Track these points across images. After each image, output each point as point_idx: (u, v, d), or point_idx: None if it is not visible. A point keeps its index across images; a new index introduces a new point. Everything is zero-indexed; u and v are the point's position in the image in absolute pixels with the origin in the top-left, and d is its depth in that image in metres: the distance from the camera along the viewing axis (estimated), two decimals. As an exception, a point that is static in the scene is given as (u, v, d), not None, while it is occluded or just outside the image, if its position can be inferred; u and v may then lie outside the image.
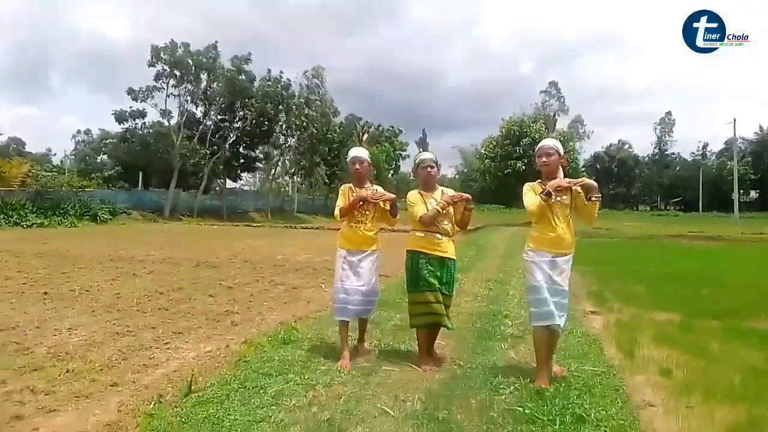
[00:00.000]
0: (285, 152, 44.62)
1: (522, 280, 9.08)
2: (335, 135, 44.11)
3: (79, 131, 69.27)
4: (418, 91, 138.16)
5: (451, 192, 4.47)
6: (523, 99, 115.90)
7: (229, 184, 46.25)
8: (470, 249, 14.74)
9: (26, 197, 25.95)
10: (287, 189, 59.78)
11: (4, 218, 23.08)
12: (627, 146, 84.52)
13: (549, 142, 4.22)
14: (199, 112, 38.16)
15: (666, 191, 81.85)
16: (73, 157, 61.39)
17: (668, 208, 79.17)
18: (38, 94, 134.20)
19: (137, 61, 53.47)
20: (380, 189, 4.67)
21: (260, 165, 47.90)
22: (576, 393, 3.68)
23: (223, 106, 37.10)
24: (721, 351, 5.09)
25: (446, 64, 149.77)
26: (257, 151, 43.26)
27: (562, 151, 4.19)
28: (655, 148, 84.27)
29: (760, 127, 72.93)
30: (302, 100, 40.09)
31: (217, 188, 44.28)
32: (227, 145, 38.58)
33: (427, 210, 4.30)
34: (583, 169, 53.29)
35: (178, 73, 34.52)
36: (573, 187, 4.05)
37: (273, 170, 48.34)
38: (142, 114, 37.02)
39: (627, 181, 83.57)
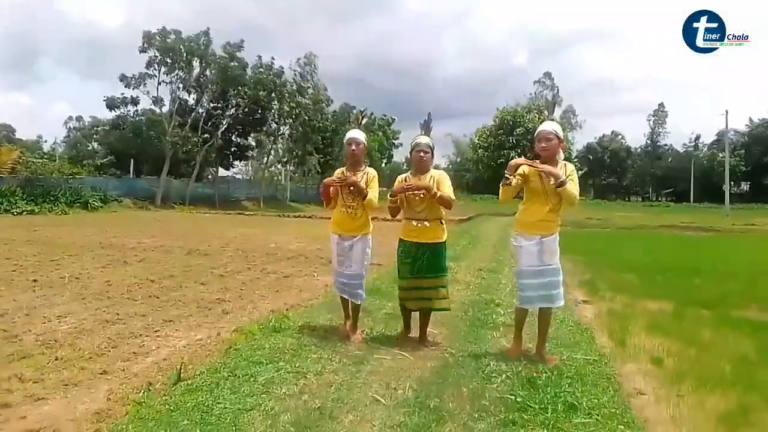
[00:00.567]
0: (278, 140, 44.42)
1: (515, 269, 9.13)
2: (328, 123, 43.85)
3: (70, 118, 68.49)
4: (412, 81, 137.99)
5: (441, 173, 4.46)
6: (518, 90, 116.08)
7: (222, 172, 46.14)
8: (463, 238, 14.75)
9: (16, 184, 25.68)
10: (280, 177, 59.56)
11: (-7, 205, 22.86)
12: (620, 137, 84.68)
13: (549, 126, 4.17)
14: (191, 99, 37.94)
15: (658, 182, 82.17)
16: (64, 144, 60.91)
17: (660, 199, 79.60)
18: (29, 81, 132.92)
19: (129, 47, 52.83)
20: (372, 171, 4.65)
21: (253, 153, 47.72)
22: (568, 381, 3.69)
23: (215, 93, 36.83)
24: (712, 340, 5.12)
25: (440, 55, 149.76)
26: (250, 139, 43.11)
27: (561, 136, 4.16)
28: (647, 139, 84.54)
29: (750, 120, 73.25)
30: (295, 87, 39.83)
31: (210, 176, 44.02)
32: (219, 133, 38.29)
33: (407, 198, 4.39)
34: (576, 160, 53.40)
35: (169, 60, 34.20)
36: (533, 169, 4.05)
37: (265, 159, 48.17)
38: (134, 101, 36.64)
39: (619, 172, 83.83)
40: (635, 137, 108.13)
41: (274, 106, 38.83)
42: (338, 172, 4.70)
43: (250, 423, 2.98)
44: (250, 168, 66.65)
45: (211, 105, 37.82)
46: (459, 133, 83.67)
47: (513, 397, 3.38)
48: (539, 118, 41.97)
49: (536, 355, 4.23)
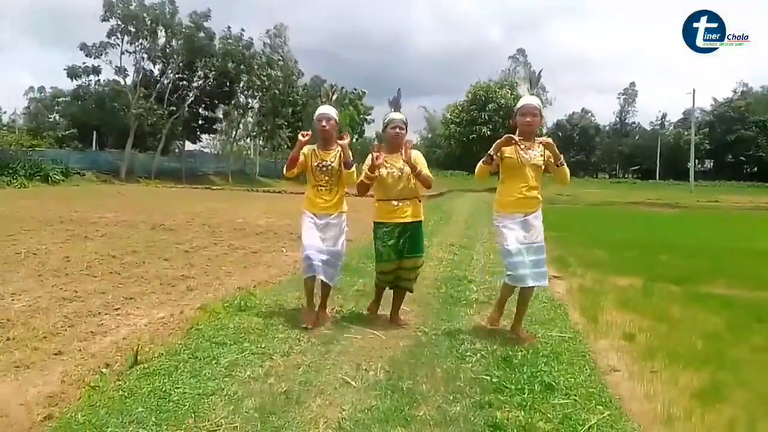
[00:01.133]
0: (246, 114, 43.74)
1: (487, 245, 9.14)
2: (298, 97, 43.13)
3: (31, 89, 65.42)
4: (385, 55, 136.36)
5: (417, 153, 4.28)
6: (491, 67, 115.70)
7: (189, 146, 45.46)
8: (434, 214, 14.70)
9: (-28, 156, 24.71)
10: (249, 152, 58.70)
11: (-53, 178, 21.95)
12: (589, 115, 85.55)
13: (534, 101, 4.08)
14: (156, 70, 37.03)
15: (625, 160, 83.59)
16: (24, 115, 58.64)
17: (627, 176, 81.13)
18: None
19: (91, 15, 50.65)
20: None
21: (221, 127, 46.86)
22: (544, 360, 3.62)
23: (181, 64, 35.88)
24: (682, 315, 5.16)
25: (414, 29, 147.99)
26: (218, 112, 42.29)
27: (542, 112, 4.04)
28: (616, 117, 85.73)
29: (714, 100, 74.78)
30: (264, 59, 39.04)
31: (176, 150, 43.31)
32: (186, 106, 37.55)
33: (382, 176, 4.20)
34: (545, 136, 53.73)
35: (133, 29, 33.22)
36: (511, 146, 3.94)
37: (234, 132, 47.41)
38: (96, 70, 35.49)
39: (588, 150, 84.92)
40: (605, 115, 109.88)
41: (243, 79, 38.12)
42: (308, 149, 4.45)
43: (210, 409, 2.80)
44: (218, 142, 65.54)
45: (177, 76, 36.84)
46: (431, 109, 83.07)
47: (489, 378, 3.28)
48: (512, 94, 42.02)
49: (512, 333, 4.14)
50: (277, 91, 39.38)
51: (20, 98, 67.60)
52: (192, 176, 37.88)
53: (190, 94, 37.95)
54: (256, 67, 37.60)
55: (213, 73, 36.28)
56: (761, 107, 69.62)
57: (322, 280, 4.39)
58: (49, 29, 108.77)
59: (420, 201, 4.36)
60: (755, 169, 70.06)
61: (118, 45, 33.48)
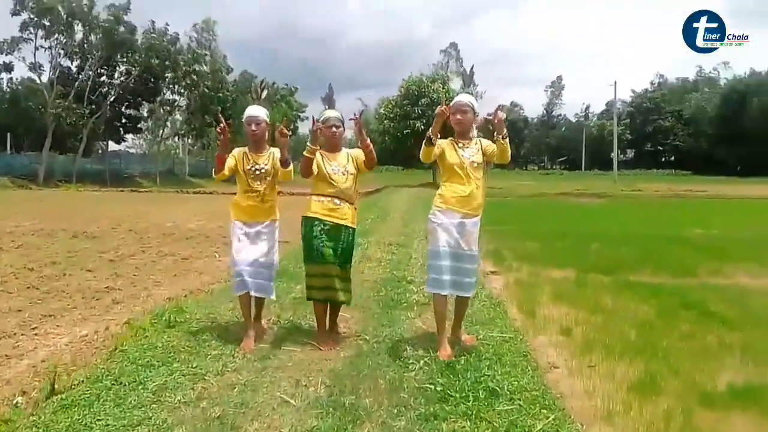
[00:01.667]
0: (174, 111, 42.44)
1: (424, 243, 9.12)
2: (228, 93, 42.04)
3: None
4: (318, 49, 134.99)
5: (357, 151, 4.14)
6: (424, 60, 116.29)
7: (113, 146, 43.83)
8: (370, 212, 14.66)
9: None
10: (177, 151, 56.83)
11: None
12: (518, 108, 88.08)
13: (464, 98, 3.96)
14: (74, 66, 35.32)
15: (552, 151, 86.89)
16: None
17: (554, 167, 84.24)
18: None
19: (2, 9, 47.33)
20: (277, 152, 4.17)
21: (147, 125, 45.13)
22: (486, 363, 3.58)
23: (100, 59, 34.27)
24: (614, 306, 5.31)
25: (346, 22, 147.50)
26: (142, 110, 40.86)
27: (477, 109, 3.96)
28: (544, 109, 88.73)
29: (633, 91, 78.70)
30: (191, 55, 37.81)
31: (99, 151, 41.68)
32: (108, 104, 36.05)
33: (326, 172, 3.96)
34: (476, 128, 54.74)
35: (47, 23, 31.49)
36: (449, 146, 3.89)
37: (161, 131, 45.85)
38: (8, 68, 33.68)
39: (517, 142, 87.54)
40: (534, 108, 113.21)
41: (168, 75, 36.83)
42: (238, 151, 4.20)
43: (137, 442, 2.59)
44: (144, 142, 63.11)
45: (97, 72, 35.19)
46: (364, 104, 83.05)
47: (433, 387, 3.21)
48: (444, 89, 42.50)
49: (452, 337, 4.06)
50: (205, 89, 38.24)
51: None
52: (117, 179, 36.47)
53: (112, 92, 36.54)
54: (182, 62, 36.41)
55: (136, 69, 34.91)
56: (675, 97, 73.93)
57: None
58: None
59: (356, 209, 4.19)
60: (672, 158, 74.42)
61: (32, 40, 31.80)
